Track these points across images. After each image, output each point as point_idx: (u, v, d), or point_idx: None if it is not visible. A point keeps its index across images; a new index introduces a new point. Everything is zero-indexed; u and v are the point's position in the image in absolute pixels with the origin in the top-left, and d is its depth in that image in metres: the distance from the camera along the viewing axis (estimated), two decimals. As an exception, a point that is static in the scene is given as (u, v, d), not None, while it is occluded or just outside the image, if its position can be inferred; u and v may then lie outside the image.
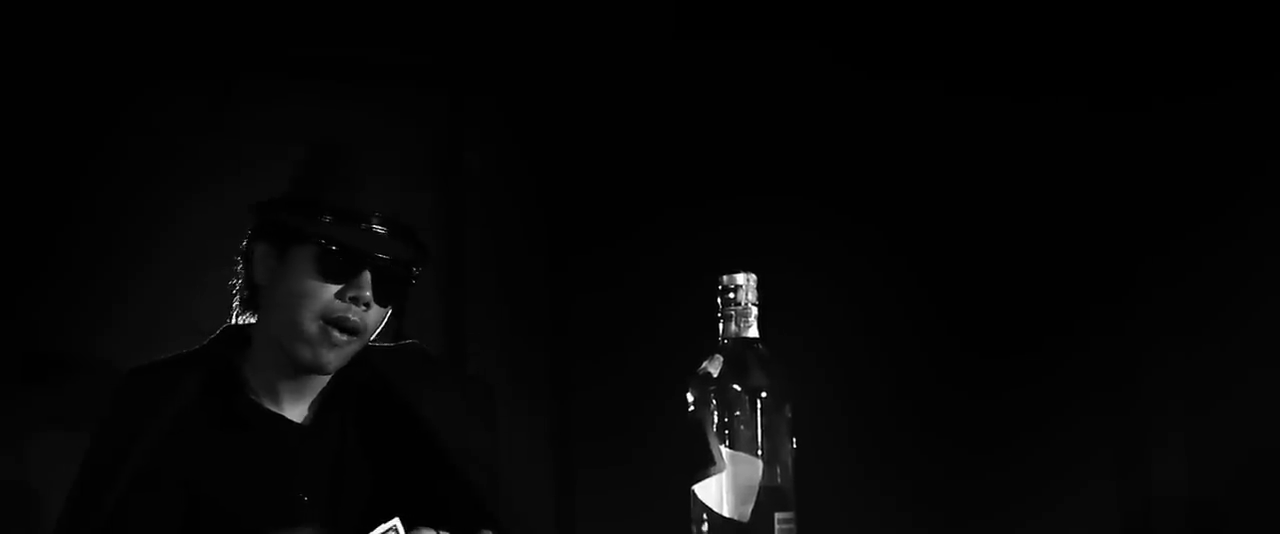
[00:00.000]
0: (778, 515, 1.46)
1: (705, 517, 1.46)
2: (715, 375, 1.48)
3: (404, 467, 1.92)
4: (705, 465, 1.46)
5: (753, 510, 1.45)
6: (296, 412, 1.93)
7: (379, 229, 1.85)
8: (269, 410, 1.91)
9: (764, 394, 1.48)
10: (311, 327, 1.83)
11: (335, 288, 1.83)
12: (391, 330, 1.97)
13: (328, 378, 1.92)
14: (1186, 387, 3.43)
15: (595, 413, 3.56)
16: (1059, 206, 3.47)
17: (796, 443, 1.50)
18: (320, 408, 1.93)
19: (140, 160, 3.37)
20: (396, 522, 1.62)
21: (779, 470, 1.47)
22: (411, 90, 3.64)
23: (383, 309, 1.88)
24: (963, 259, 3.48)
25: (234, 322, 1.97)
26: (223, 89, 3.43)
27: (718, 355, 1.50)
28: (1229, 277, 3.24)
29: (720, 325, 1.51)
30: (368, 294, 1.83)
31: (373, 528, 1.62)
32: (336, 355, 1.85)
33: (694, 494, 1.47)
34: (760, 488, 1.46)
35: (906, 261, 3.47)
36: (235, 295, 1.96)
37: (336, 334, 1.83)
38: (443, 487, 1.88)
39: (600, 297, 3.58)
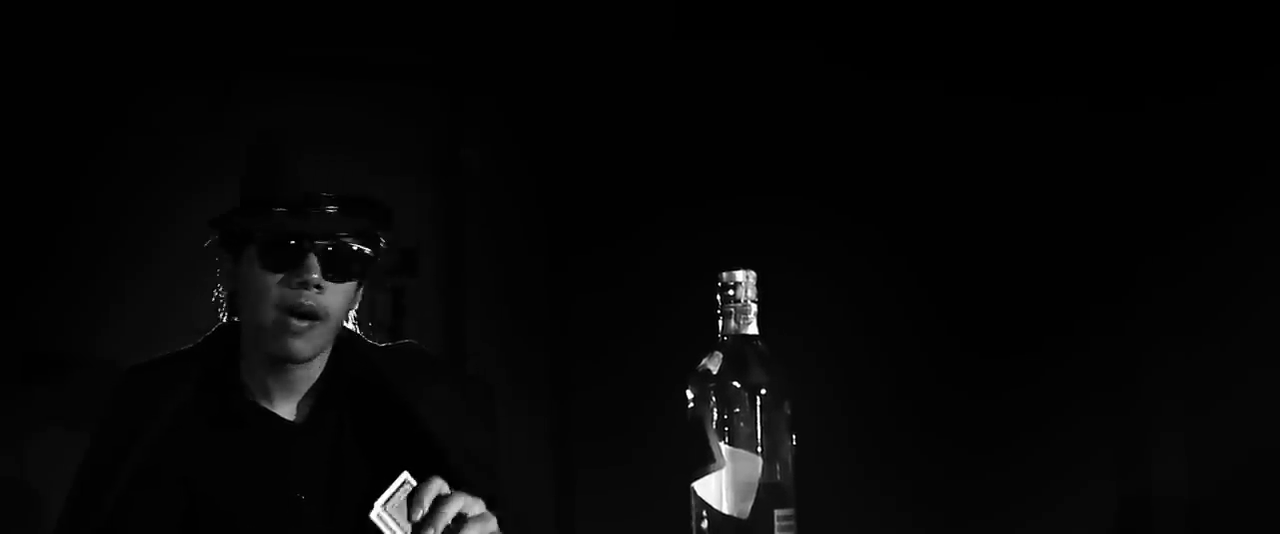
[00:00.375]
0: (777, 512, 1.46)
1: (705, 513, 1.46)
2: (715, 372, 1.48)
3: (402, 466, 1.91)
4: (705, 462, 1.46)
5: (752, 507, 1.45)
6: (290, 409, 1.93)
7: (330, 209, 1.85)
8: (263, 408, 1.91)
9: (763, 391, 1.47)
10: (268, 318, 1.84)
11: (281, 276, 1.84)
12: (388, 329, 1.97)
13: (319, 374, 1.92)
14: (1186, 387, 3.43)
15: (595, 413, 3.56)
16: (1059, 206, 3.47)
17: (796, 440, 1.50)
18: (315, 406, 1.93)
19: (140, 160, 3.37)
20: (406, 475, 1.62)
21: (778, 467, 1.47)
22: (411, 89, 3.65)
23: (342, 286, 1.87)
24: (962, 259, 3.48)
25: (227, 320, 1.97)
26: (223, 89, 3.43)
27: (717, 352, 1.49)
28: (1229, 277, 3.24)
29: (719, 322, 1.51)
30: (314, 276, 1.83)
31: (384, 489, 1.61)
32: (303, 342, 1.85)
33: (693, 491, 1.47)
34: (760, 485, 1.45)
35: (906, 261, 3.47)
36: (219, 307, 1.97)
37: (294, 321, 1.84)
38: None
39: (600, 296, 3.58)
